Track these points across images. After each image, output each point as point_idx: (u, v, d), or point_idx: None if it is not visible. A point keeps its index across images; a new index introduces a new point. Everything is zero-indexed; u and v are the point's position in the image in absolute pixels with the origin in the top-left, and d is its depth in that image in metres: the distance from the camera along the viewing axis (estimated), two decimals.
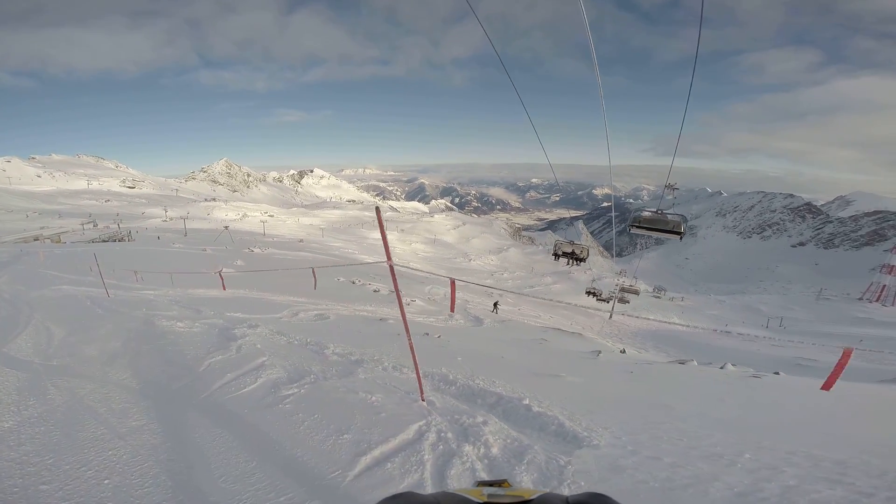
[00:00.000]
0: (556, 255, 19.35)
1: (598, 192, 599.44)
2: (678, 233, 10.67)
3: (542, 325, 23.19)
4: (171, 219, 78.10)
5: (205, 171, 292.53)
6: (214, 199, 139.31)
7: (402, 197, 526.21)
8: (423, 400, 4.09)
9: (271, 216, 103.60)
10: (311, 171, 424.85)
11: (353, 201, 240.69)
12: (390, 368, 5.27)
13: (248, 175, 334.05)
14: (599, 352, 12.10)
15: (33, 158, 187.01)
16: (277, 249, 39.81)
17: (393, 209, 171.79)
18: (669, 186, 11.10)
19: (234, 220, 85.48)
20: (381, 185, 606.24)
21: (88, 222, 64.84)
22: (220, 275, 13.94)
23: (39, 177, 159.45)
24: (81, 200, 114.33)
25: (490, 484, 1.10)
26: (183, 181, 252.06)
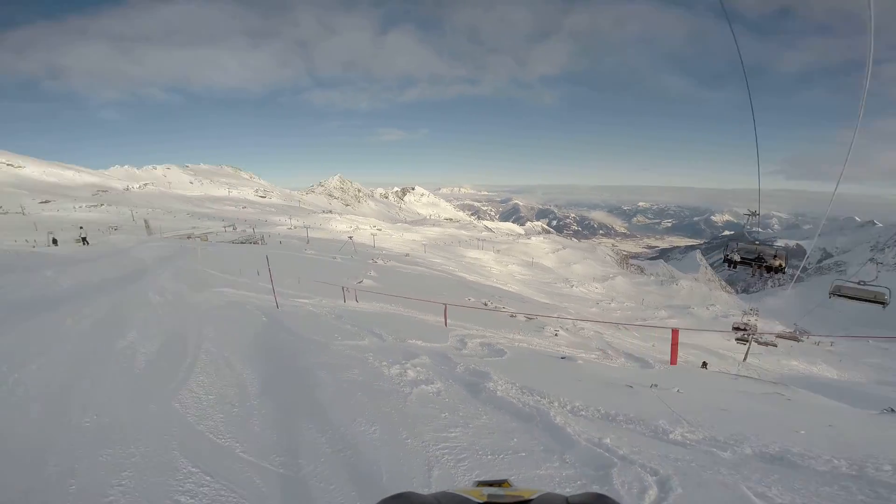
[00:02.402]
0: (731, 263, 13.07)
1: (717, 218, 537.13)
2: (881, 303, 9.72)
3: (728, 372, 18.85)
4: (294, 227, 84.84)
5: (322, 186, 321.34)
6: (331, 212, 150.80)
7: (497, 217, 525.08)
8: None
9: (379, 230, 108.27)
10: (413, 189, 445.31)
11: (451, 219, 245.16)
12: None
13: (359, 190, 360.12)
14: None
15: (187, 167, 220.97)
16: (397, 262, 39.95)
17: (488, 229, 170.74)
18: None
19: (348, 232, 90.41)
20: (476, 204, 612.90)
21: (229, 225, 72.83)
22: (345, 289, 12.86)
23: (191, 183, 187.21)
24: (223, 206, 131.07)
25: (490, 484, 1.09)
26: (304, 193, 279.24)
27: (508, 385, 5.12)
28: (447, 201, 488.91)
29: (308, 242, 54.13)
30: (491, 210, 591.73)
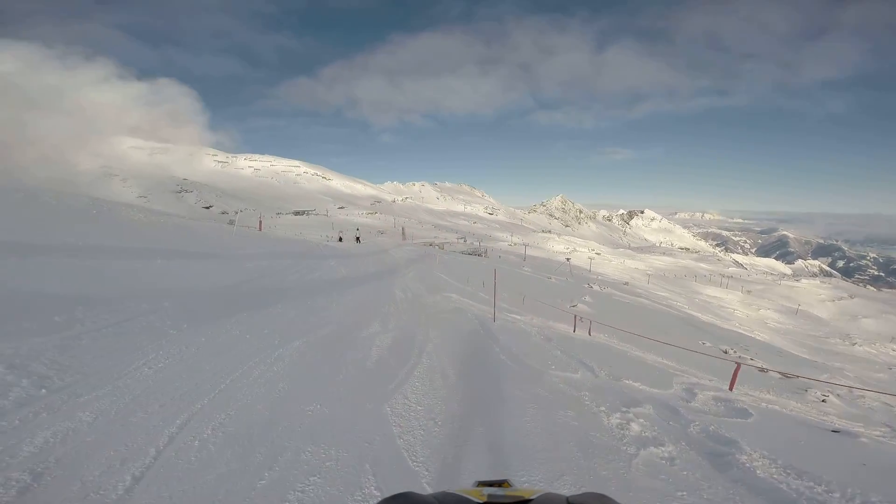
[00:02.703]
0: None
1: None
2: None
3: None
4: (514, 244, 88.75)
5: (544, 206, 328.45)
6: (549, 231, 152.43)
7: (753, 251, 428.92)
8: None
9: (598, 254, 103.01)
10: (642, 213, 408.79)
11: (687, 249, 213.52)
12: None
13: (580, 212, 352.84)
14: None
15: (436, 184, 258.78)
16: (614, 290, 36.96)
17: (738, 264, 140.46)
18: None
19: (564, 253, 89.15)
20: (724, 233, 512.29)
21: (461, 238, 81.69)
22: (577, 318, 11.80)
23: (438, 198, 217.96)
24: (459, 220, 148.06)
25: (490, 484, 1.10)
26: (527, 212, 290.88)
27: (767, 461, 3.63)
28: (684, 227, 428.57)
29: (524, 260, 55.55)
30: (745, 241, 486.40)
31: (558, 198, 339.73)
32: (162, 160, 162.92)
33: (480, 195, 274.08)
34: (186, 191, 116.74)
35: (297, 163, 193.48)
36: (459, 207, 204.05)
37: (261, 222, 39.44)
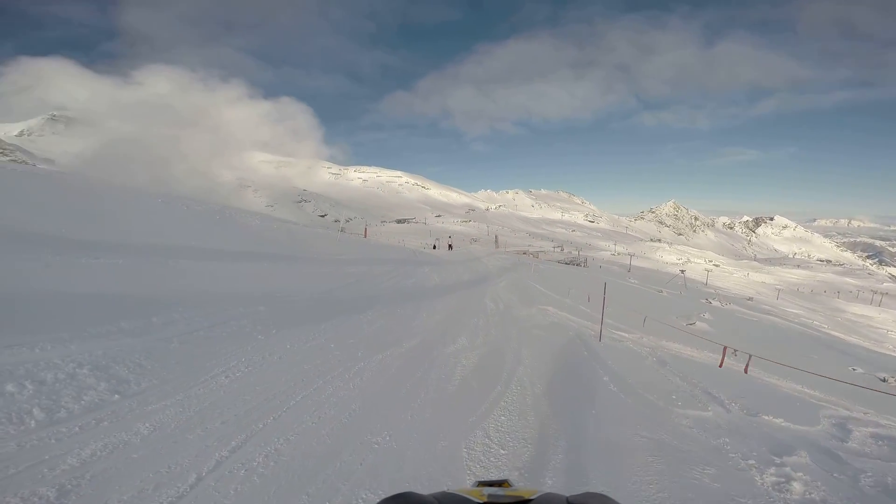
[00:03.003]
0: None
1: None
2: None
3: None
4: (617, 254, 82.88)
5: (653, 212, 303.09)
6: (659, 241, 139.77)
7: None
8: None
9: (716, 265, 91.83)
10: (771, 220, 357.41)
11: (828, 261, 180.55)
12: None
13: (696, 219, 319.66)
14: None
15: (531, 192, 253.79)
16: (738, 306, 32.06)
17: (894, 279, 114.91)
18: None
19: (675, 265, 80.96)
20: (878, 243, 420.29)
21: (557, 246, 78.51)
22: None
23: (532, 206, 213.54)
24: (555, 228, 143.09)
25: (490, 484, 1.10)
26: (632, 220, 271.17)
27: None
28: (826, 237, 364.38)
29: (629, 271, 51.29)
30: None
31: (669, 204, 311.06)
32: (286, 172, 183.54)
33: (580, 202, 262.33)
34: (305, 200, 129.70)
35: (399, 173, 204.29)
36: (556, 215, 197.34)
37: (366, 230, 41.90)
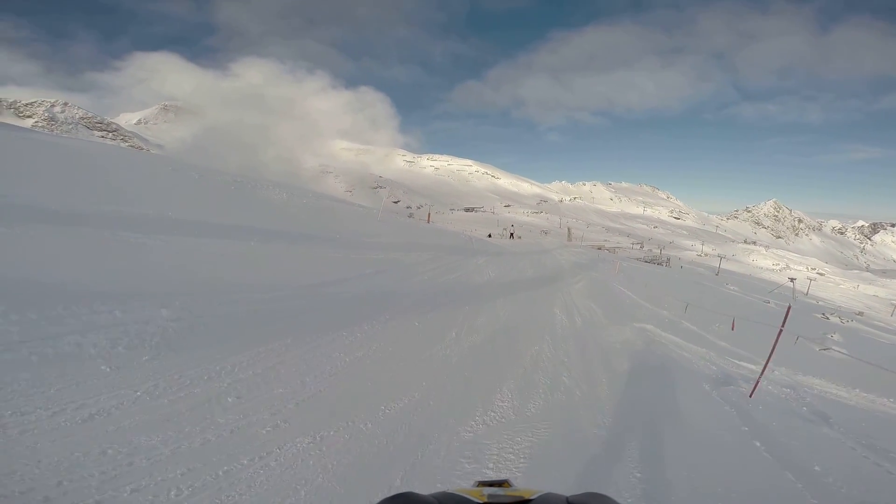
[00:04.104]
0: None
1: None
2: None
3: None
4: (704, 254, 73.81)
5: (749, 212, 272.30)
6: (755, 243, 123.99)
7: None
8: None
9: (821, 274, 78.56)
10: (892, 226, 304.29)
11: None
12: None
13: (799, 221, 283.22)
14: None
15: (610, 184, 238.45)
16: (861, 325, 25.46)
17: None
18: None
19: (770, 270, 70.39)
20: None
21: (637, 243, 71.33)
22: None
23: (611, 199, 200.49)
24: (635, 223, 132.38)
25: (490, 484, 1.07)
26: (724, 219, 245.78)
27: None
28: None
29: (717, 274, 44.52)
30: None
31: (769, 203, 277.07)
32: (364, 159, 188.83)
33: (665, 197, 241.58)
34: (381, 187, 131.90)
35: (469, 162, 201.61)
36: (637, 210, 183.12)
37: (429, 215, 40.07)
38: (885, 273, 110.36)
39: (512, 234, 34.68)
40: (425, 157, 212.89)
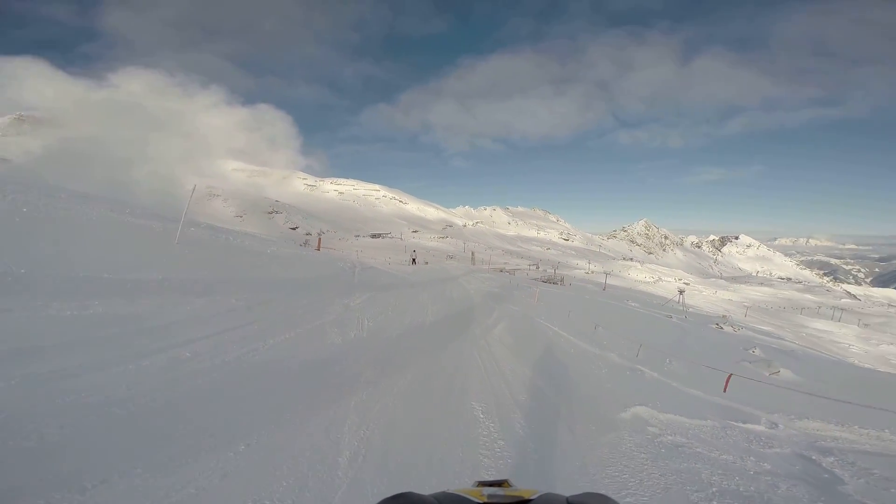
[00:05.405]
0: None
1: None
2: None
3: None
4: (591, 272, 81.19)
5: (625, 231, 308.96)
6: (631, 259, 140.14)
7: (868, 280, 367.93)
8: None
9: (687, 284, 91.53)
10: (736, 239, 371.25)
11: (788, 279, 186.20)
12: None
13: (665, 238, 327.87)
14: None
15: (507, 209, 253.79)
16: (754, 333, 29.51)
17: (850, 295, 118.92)
18: None
19: (648, 283, 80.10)
20: (833, 261, 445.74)
21: (533, 264, 75.91)
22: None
23: (509, 223, 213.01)
24: (531, 245, 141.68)
25: (490, 484, 1.07)
26: (605, 238, 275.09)
27: None
28: (786, 255, 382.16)
29: (604, 290, 49.12)
30: (859, 270, 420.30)
31: (641, 223, 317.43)
32: (259, 181, 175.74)
33: (555, 220, 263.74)
34: (277, 212, 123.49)
35: (377, 186, 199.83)
36: (532, 233, 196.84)
37: (319, 241, 37.91)
38: (735, 279, 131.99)
39: (414, 260, 34.06)
40: (329, 180, 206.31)
